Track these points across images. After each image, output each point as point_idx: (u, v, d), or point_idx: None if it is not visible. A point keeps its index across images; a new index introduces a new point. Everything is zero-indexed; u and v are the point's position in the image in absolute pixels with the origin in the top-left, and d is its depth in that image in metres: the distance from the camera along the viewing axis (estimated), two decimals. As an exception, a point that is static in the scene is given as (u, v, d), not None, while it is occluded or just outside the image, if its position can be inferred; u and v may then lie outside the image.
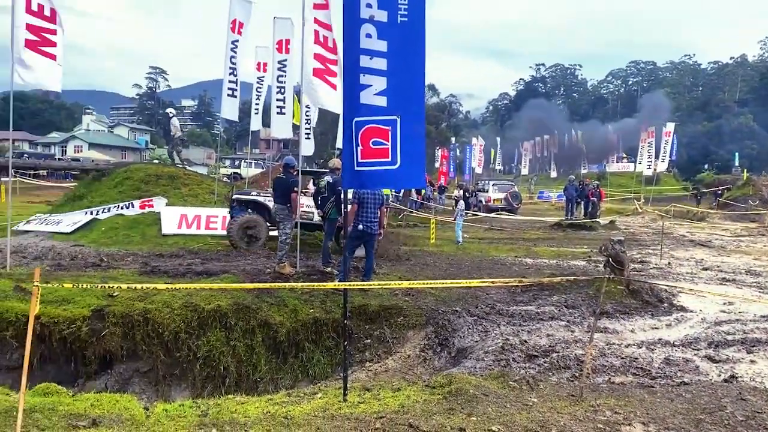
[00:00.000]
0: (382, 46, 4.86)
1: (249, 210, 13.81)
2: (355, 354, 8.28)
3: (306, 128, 20.16)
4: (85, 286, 6.97)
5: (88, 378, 7.97)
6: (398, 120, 4.91)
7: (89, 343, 7.77)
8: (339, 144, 17.83)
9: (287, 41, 16.28)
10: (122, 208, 15.99)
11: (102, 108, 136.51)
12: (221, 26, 17.20)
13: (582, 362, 6.27)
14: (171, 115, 24.06)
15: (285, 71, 16.12)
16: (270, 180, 20.65)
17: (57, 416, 4.49)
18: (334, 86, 10.96)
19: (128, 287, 5.87)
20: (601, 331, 7.90)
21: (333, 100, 11.08)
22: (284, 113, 16.47)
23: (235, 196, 14.29)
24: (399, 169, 4.97)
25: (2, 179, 18.22)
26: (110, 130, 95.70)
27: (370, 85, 4.90)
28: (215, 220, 16.12)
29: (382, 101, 4.89)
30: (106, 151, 72.29)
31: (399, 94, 4.92)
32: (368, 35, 4.85)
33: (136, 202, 16.12)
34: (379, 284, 9.08)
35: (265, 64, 20.71)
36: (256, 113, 20.76)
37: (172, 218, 15.51)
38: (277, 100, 16.54)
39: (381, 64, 4.88)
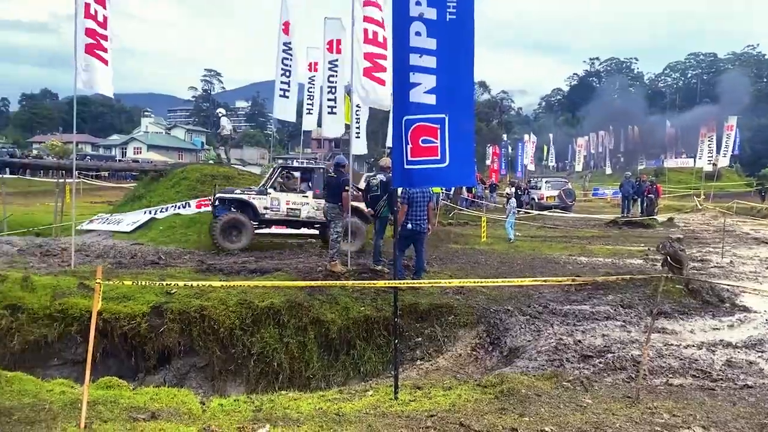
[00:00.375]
0: (431, 44, 4.85)
1: (232, 208, 13.64)
2: (406, 352, 8.29)
3: (356, 127, 20.26)
4: (144, 283, 7.19)
5: (148, 373, 8.24)
6: (447, 118, 4.89)
7: (148, 339, 8.03)
8: (389, 143, 17.85)
9: (338, 41, 16.37)
10: (179, 208, 16.43)
11: (160, 110, 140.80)
12: (273, 28, 17.48)
13: (638, 363, 6.11)
14: (220, 115, 24.64)
15: (336, 71, 16.21)
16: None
17: (118, 409, 4.66)
18: (383, 82, 10.96)
19: (185, 284, 6.02)
20: (659, 332, 7.67)
21: (382, 97, 11.11)
22: (335, 113, 16.56)
23: (218, 195, 13.99)
24: (448, 168, 4.95)
25: (67, 180, 18.94)
26: (167, 131, 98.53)
27: (420, 84, 4.89)
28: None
29: (431, 99, 4.88)
30: (163, 152, 74.47)
31: (448, 91, 4.90)
32: (417, 33, 4.85)
33: (193, 202, 16.53)
34: (430, 283, 9.07)
35: (316, 64, 20.87)
36: (308, 113, 20.96)
37: (230, 217, 15.82)
38: (328, 99, 16.64)
39: (430, 62, 4.87)
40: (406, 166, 5.02)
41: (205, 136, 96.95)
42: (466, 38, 4.91)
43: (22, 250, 11.98)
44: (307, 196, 14.25)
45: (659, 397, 5.36)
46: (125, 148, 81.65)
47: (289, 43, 16.77)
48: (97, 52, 9.21)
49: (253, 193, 14.04)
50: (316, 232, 15.00)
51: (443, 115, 4.88)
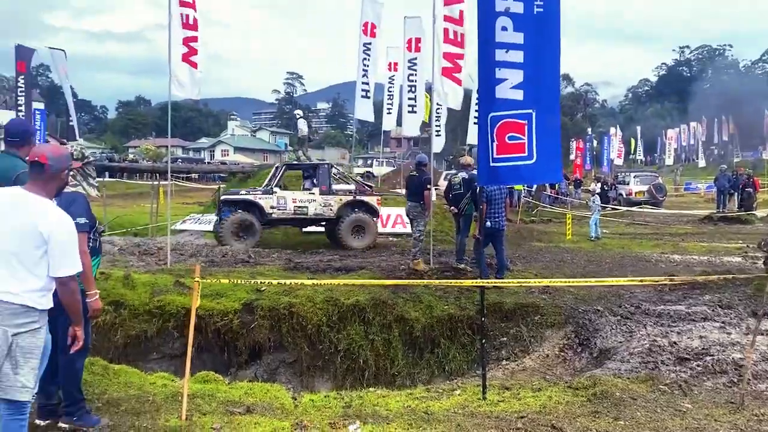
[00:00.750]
0: (518, 38, 4.77)
1: (238, 210, 13.49)
2: (491, 352, 8.19)
3: (436, 125, 20.24)
4: (238, 281, 7.45)
5: (239, 367, 8.54)
6: (534, 113, 4.80)
7: (240, 335, 8.31)
8: (469, 140, 17.73)
9: (417, 39, 16.43)
10: (267, 208, 16.92)
11: (245, 114, 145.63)
12: (352, 29, 17.72)
13: (741, 367, 5.77)
14: (298, 116, 25.25)
15: (416, 69, 16.26)
16: (402, 178, 20.95)
17: (215, 402, 4.86)
18: (460, 82, 10.93)
19: (278, 282, 6.20)
20: (763, 334, 7.22)
21: (459, 98, 11.09)
22: (415, 112, 16.63)
23: (223, 197, 13.94)
24: (535, 164, 4.86)
25: (161, 183, 19.94)
26: (253, 134, 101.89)
27: (506, 79, 4.83)
28: (351, 217, 16.63)
29: (518, 95, 4.81)
30: (249, 154, 77.03)
31: (535, 86, 4.81)
32: (504, 28, 4.78)
33: (280, 202, 16.99)
34: (518, 282, 8.92)
35: (396, 64, 21.05)
36: (388, 113, 21.14)
37: (312, 216, 16.19)
38: (409, 98, 16.72)
39: (517, 56, 4.79)
40: (492, 164, 4.97)
41: (288, 137, 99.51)
42: (552, 31, 4.81)
43: (122, 249, 12.69)
44: (313, 193, 14.12)
45: (766, 403, 5.05)
46: (213, 151, 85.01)
47: (369, 43, 16.94)
48: (190, 58, 9.63)
49: (259, 192, 14.00)
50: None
51: (530, 111, 4.79)
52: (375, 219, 14.20)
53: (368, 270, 10.33)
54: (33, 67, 24.02)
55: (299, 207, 13.86)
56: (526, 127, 4.80)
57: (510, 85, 4.82)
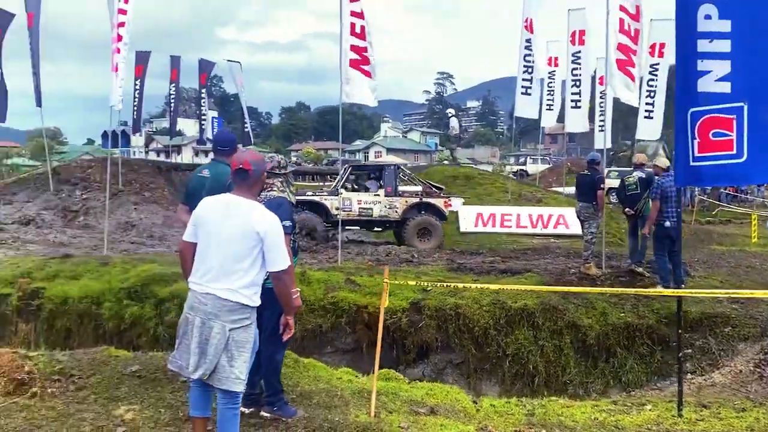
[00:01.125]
0: (724, 26, 4.35)
1: (304, 210, 13.46)
2: (673, 364, 7.62)
3: (600, 120, 19.25)
4: (426, 284, 7.58)
5: (408, 365, 8.68)
6: (745, 107, 4.35)
7: (408, 333, 8.44)
8: (638, 135, 16.63)
9: (581, 32, 15.80)
10: (423, 208, 17.14)
11: (396, 115, 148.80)
12: (506, 25, 17.35)
13: None
14: (450, 115, 25.17)
15: (579, 63, 15.65)
16: (569, 177, 20.23)
17: (399, 401, 4.95)
18: (633, 77, 10.35)
19: (476, 286, 6.20)
20: None
21: (631, 93, 10.50)
22: (579, 107, 15.99)
23: None
24: (746, 163, 4.39)
25: (324, 184, 20.94)
26: (404, 135, 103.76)
27: (710, 71, 4.42)
28: (509, 218, 16.40)
29: (724, 87, 4.38)
30: (401, 154, 78.51)
31: (746, 77, 4.35)
32: (707, 16, 4.39)
33: (436, 202, 17.14)
34: (710, 293, 8.18)
35: (556, 59, 20.37)
36: (548, 109, 20.49)
37: (470, 217, 16.21)
38: (572, 93, 16.10)
39: (723, 46, 4.37)
40: (692, 163, 4.58)
41: (438, 137, 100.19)
42: (766, 14, 4.32)
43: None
44: (378, 195, 14.01)
45: None
46: (367, 152, 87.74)
47: (530, 39, 16.50)
48: (362, 66, 9.98)
49: (325, 194, 14.04)
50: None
51: (741, 104, 4.34)
52: (441, 222, 14.20)
53: (534, 273, 10.04)
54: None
55: (364, 208, 14.03)
56: (734, 122, 4.36)
57: (714, 78, 4.41)
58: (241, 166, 3.64)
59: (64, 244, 13.15)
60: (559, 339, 8.19)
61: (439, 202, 14.27)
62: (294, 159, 70.63)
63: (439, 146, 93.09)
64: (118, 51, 10.98)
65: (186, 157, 57.50)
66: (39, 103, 17.28)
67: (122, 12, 11.04)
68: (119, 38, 11.06)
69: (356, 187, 14.96)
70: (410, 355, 8.54)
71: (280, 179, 4.47)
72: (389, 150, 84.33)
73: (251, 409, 4.50)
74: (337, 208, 13.67)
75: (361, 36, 10.26)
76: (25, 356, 5.39)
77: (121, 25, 11.10)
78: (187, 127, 74.60)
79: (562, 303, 8.39)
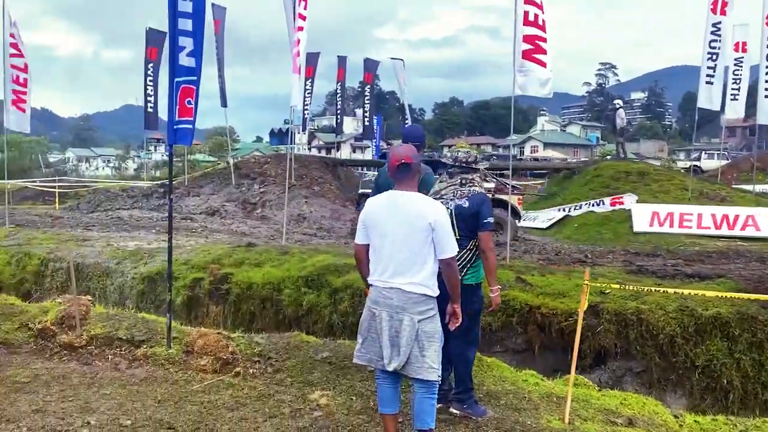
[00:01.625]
0: None
1: None
2: None
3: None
4: (631, 287, 7.23)
5: (582, 371, 8.30)
6: None
7: (584, 337, 8.06)
8: None
9: (780, 13, 14.13)
10: (593, 206, 16.39)
11: (554, 108, 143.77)
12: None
13: None
14: (618, 106, 23.58)
15: (777, 48, 14.00)
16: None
17: (592, 409, 4.73)
18: None
19: (657, 290, 5.82)
20: None
21: None
22: (775, 96, 14.33)
23: (360, 191, 14.98)
24: None
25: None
26: (563, 129, 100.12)
27: None
28: (689, 217, 15.15)
29: None
30: (559, 149, 75.94)
31: None
32: None
33: (607, 200, 16.30)
34: None
35: (744, 44, 18.48)
36: (732, 99, 18.64)
37: (644, 215, 15.20)
38: (766, 81, 14.47)
39: None
40: None
41: (600, 131, 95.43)
42: None
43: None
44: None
45: None
46: (522, 147, 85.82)
47: (719, 23, 15.04)
48: (535, 56, 9.65)
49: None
50: None
51: None
52: (516, 218, 13.81)
53: (728, 278, 9.16)
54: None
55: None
56: None
57: None
58: (403, 161, 3.71)
59: (246, 234, 14.20)
60: (759, 353, 7.40)
61: (512, 199, 13.79)
62: (448, 155, 71.11)
63: (600, 140, 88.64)
64: (299, 54, 11.59)
65: (344, 153, 59.88)
66: (224, 104, 18.84)
67: (302, 17, 11.65)
68: (298, 42, 11.67)
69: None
70: (586, 360, 8.16)
71: (478, 174, 4.45)
72: (546, 144, 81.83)
73: (440, 405, 4.52)
74: None
75: (535, 24, 9.92)
76: (228, 337, 5.85)
77: (300, 29, 11.71)
78: (345, 123, 77.69)
79: (763, 313, 7.57)
